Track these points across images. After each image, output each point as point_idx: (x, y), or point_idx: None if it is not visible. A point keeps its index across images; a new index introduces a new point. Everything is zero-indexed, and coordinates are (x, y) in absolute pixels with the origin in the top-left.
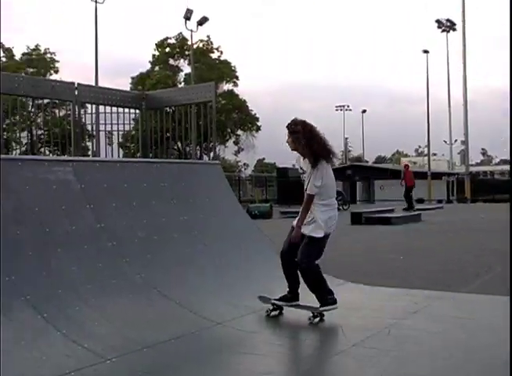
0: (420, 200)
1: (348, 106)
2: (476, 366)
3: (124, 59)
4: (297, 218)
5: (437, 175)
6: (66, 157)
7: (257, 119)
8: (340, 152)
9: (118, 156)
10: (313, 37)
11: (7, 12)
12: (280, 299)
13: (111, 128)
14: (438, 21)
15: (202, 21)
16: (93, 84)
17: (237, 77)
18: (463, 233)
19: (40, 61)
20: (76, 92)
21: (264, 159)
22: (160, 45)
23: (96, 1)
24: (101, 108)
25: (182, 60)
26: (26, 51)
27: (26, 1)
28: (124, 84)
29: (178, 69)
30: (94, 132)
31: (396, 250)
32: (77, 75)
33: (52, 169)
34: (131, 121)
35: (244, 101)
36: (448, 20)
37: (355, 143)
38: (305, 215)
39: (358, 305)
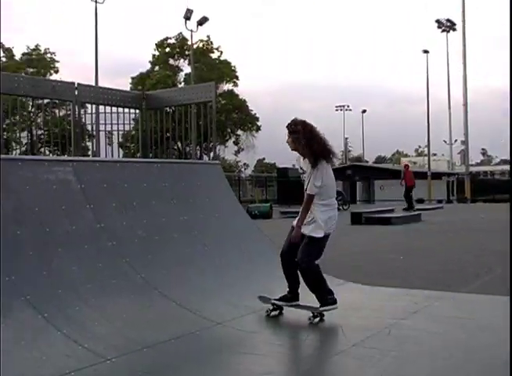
0: (420, 200)
1: (348, 106)
2: (476, 366)
3: (124, 59)
4: (297, 218)
5: (437, 175)
6: (66, 157)
7: (257, 119)
8: (340, 152)
9: (118, 156)
10: (313, 37)
11: (7, 12)
12: (280, 299)
13: (111, 128)
14: (438, 21)
15: (202, 21)
16: (93, 84)
17: (237, 77)
18: (463, 233)
19: (40, 61)
20: (76, 92)
21: (264, 159)
22: (160, 45)
23: (96, 1)
24: (101, 108)
25: (182, 60)
26: (26, 51)
27: (26, 1)
28: (124, 85)
29: (178, 69)
30: (94, 132)
31: (396, 250)
32: (77, 75)
33: (52, 169)
34: (131, 121)
35: (244, 101)
36: (448, 20)
37: (355, 143)
38: (305, 214)
39: (358, 305)
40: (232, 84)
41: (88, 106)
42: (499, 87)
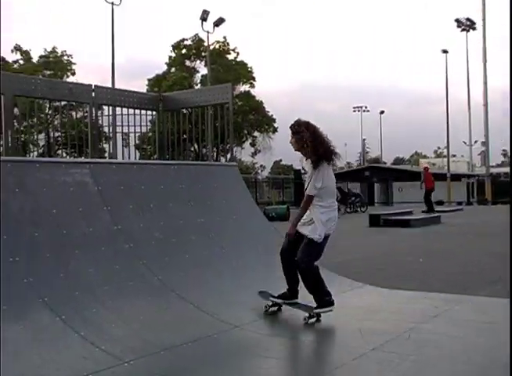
0: (440, 202)
1: (366, 107)
2: (497, 370)
3: (140, 61)
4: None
5: (456, 177)
6: (83, 159)
7: (273, 120)
8: (357, 153)
9: (135, 158)
10: (332, 37)
11: (24, 16)
12: (279, 297)
13: (128, 129)
14: (457, 20)
15: (218, 22)
16: (110, 86)
17: (254, 78)
18: (483, 236)
19: (57, 63)
20: (93, 94)
21: (281, 160)
22: (177, 46)
23: (113, 3)
24: (117, 110)
25: (198, 62)
26: (43, 53)
27: (42, 4)
28: (141, 86)
29: (195, 70)
30: (111, 134)
31: (415, 252)
32: (93, 77)
33: (70, 171)
34: (148, 123)
35: (261, 102)
36: (467, 19)
37: (372, 144)
38: (302, 214)
39: (376, 308)
40: (248, 85)
41: (105, 107)
42: None
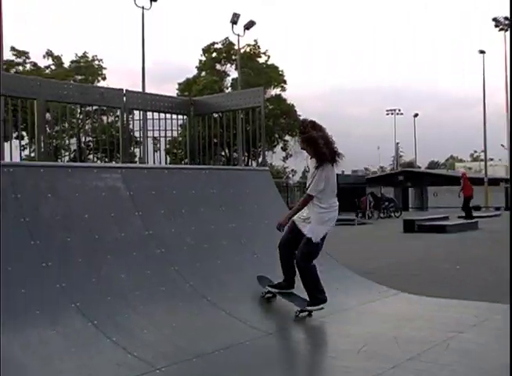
0: (477, 208)
1: (399, 110)
2: None
3: (170, 65)
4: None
5: (494, 181)
6: (114, 164)
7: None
8: (391, 157)
9: (165, 162)
10: (362, 39)
11: (57, 21)
12: (275, 286)
13: (159, 134)
14: (495, 19)
15: (249, 25)
16: (140, 90)
17: (285, 82)
18: None
19: (88, 68)
20: (124, 99)
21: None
22: (207, 50)
23: (143, 8)
24: (148, 114)
25: (228, 65)
26: (74, 58)
27: (72, 10)
28: (171, 90)
29: (225, 74)
30: (141, 139)
31: (451, 259)
32: (124, 81)
33: (101, 176)
34: (178, 128)
35: (292, 106)
36: (506, 18)
37: (406, 148)
38: (298, 210)
39: (412, 315)
40: (279, 88)
41: (135, 112)
42: None
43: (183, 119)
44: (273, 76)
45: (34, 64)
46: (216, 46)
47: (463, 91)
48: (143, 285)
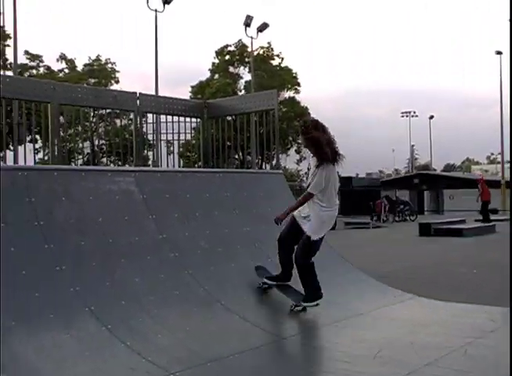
0: (494, 211)
1: (415, 113)
2: None
3: (183, 68)
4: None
5: None
6: (128, 168)
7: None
8: (406, 160)
9: (179, 165)
10: (376, 40)
11: (67, 25)
12: (272, 278)
13: (172, 137)
14: (511, 20)
15: (262, 27)
16: (153, 93)
17: (299, 84)
18: None
19: (101, 71)
20: (138, 102)
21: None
22: (220, 52)
23: (156, 10)
24: (161, 117)
25: (242, 68)
26: (87, 62)
27: (89, 13)
28: (184, 93)
29: (238, 76)
30: (154, 142)
31: (468, 263)
32: (137, 85)
33: (115, 179)
34: (192, 130)
35: (306, 108)
36: None
37: (422, 151)
38: (297, 207)
39: (428, 320)
40: (293, 91)
41: (148, 115)
42: None
43: (197, 122)
44: (287, 78)
45: (48, 68)
46: (229, 49)
47: (480, 92)
48: (157, 289)
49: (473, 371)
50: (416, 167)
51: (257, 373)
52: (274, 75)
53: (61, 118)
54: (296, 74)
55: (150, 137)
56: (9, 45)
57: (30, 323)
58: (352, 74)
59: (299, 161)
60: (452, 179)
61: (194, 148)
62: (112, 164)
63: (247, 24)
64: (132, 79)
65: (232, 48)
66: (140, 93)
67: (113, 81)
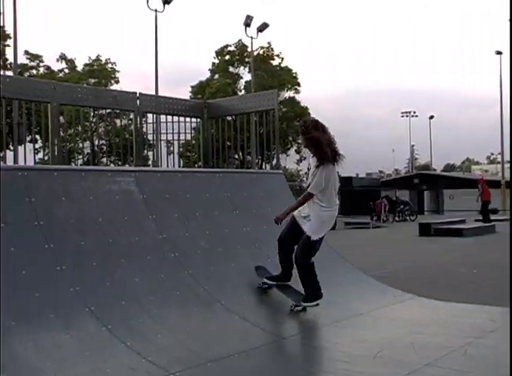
0: (494, 211)
1: (415, 113)
2: None
3: (183, 68)
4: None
5: None
6: (128, 168)
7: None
8: (406, 160)
9: (179, 165)
10: (375, 39)
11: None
12: (272, 278)
13: (172, 137)
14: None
15: (262, 27)
16: (153, 93)
17: (299, 84)
18: None
19: (101, 71)
20: (138, 102)
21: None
22: (220, 52)
23: (156, 10)
24: (161, 117)
25: (242, 68)
26: (87, 62)
27: (88, 12)
28: (184, 93)
29: (238, 76)
30: (154, 142)
31: (468, 263)
32: (137, 85)
33: (115, 179)
34: (192, 130)
35: (306, 108)
36: None
37: (422, 151)
38: (296, 207)
39: (428, 320)
40: (293, 91)
41: (148, 115)
42: None
43: (196, 122)
44: (287, 78)
45: (48, 68)
46: (229, 49)
47: (480, 92)
48: (157, 289)
49: (473, 371)
50: (416, 167)
51: (257, 373)
52: (274, 75)
53: (61, 118)
54: (296, 73)
55: (150, 137)
56: (9, 45)
57: (30, 323)
58: (352, 74)
59: (299, 161)
60: (452, 179)
61: (194, 148)
62: (112, 164)
63: (247, 24)
64: (132, 79)
65: (232, 48)
66: (140, 93)
67: (113, 81)
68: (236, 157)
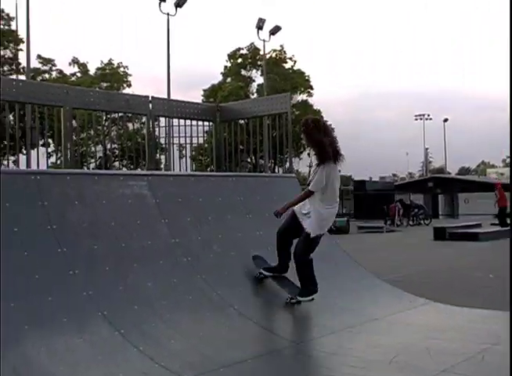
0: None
1: (429, 115)
2: None
3: (195, 72)
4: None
5: None
6: (140, 172)
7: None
8: (420, 163)
9: (191, 169)
10: (392, 42)
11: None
12: (269, 269)
13: (185, 141)
14: None
15: (274, 30)
16: (165, 96)
17: (311, 87)
18: None
19: (113, 75)
20: (150, 106)
21: (339, 171)
22: (232, 55)
23: (168, 14)
24: (174, 121)
25: (254, 71)
26: (100, 66)
27: (101, 17)
28: (196, 97)
29: (251, 80)
30: (166, 145)
31: (483, 267)
32: (149, 88)
33: (128, 183)
34: (204, 134)
35: (319, 111)
36: None
37: (436, 154)
38: (296, 203)
39: (443, 326)
40: (306, 94)
41: (161, 119)
42: None
43: (209, 125)
44: (299, 81)
45: (60, 72)
46: (241, 52)
47: (495, 94)
48: (170, 294)
49: None
50: (430, 170)
51: None
52: (286, 78)
53: (74, 122)
54: (308, 76)
55: (163, 141)
56: (21, 50)
57: (43, 327)
58: (363, 76)
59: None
60: (467, 183)
61: (206, 152)
62: (124, 168)
63: (260, 27)
64: (144, 83)
65: (244, 52)
66: (152, 97)
67: (125, 85)
68: (249, 160)
